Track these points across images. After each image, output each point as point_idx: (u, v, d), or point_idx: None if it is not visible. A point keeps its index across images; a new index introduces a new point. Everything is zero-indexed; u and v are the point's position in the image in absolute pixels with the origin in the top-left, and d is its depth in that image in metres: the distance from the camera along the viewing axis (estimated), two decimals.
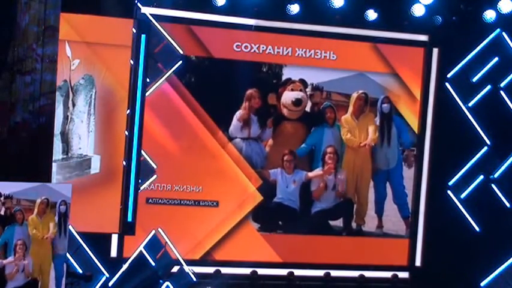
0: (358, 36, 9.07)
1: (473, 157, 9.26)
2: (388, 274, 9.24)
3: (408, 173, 9.28)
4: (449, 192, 9.27)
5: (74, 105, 8.07)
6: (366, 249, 9.16)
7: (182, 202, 8.71)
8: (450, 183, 9.27)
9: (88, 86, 8.12)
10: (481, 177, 9.29)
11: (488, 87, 9.26)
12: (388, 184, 9.22)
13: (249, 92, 8.80)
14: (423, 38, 9.26)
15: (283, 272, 8.94)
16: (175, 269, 8.59)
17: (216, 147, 8.77)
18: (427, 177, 9.29)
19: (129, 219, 8.34)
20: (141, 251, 8.48)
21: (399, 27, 9.12)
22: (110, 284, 8.32)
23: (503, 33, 9.25)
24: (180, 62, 8.54)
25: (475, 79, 9.25)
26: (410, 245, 9.30)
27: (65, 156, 7.98)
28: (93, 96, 8.12)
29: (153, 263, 8.51)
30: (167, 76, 8.54)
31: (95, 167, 8.13)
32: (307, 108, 9.00)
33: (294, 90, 8.93)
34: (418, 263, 9.34)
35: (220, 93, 8.71)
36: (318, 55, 9.01)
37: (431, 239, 9.25)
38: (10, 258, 6.42)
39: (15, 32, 7.01)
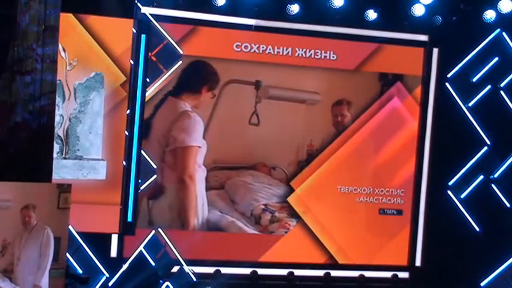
0: (358, 36, 9.07)
1: (473, 157, 9.27)
2: (388, 274, 9.25)
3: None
4: (449, 192, 9.27)
5: (72, 105, 8.08)
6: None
7: None
8: (450, 183, 9.27)
9: (93, 85, 8.12)
10: (481, 177, 9.29)
11: (488, 87, 9.27)
12: None
13: None
14: (423, 38, 9.25)
15: (283, 272, 8.95)
16: (175, 269, 8.60)
17: None
18: (427, 177, 9.29)
19: (129, 219, 8.36)
20: (141, 251, 8.49)
21: (399, 27, 9.11)
22: (110, 284, 8.33)
23: (503, 33, 9.26)
24: (180, 62, 8.56)
25: (475, 79, 9.25)
26: (410, 245, 9.30)
27: (57, 156, 7.97)
28: (99, 96, 8.13)
29: (153, 263, 8.52)
30: (167, 76, 8.56)
31: (101, 172, 8.15)
32: None
33: None
34: (418, 263, 9.34)
35: None
36: (318, 55, 9.01)
37: (431, 239, 9.25)
38: None
39: (15, 32, 6.98)
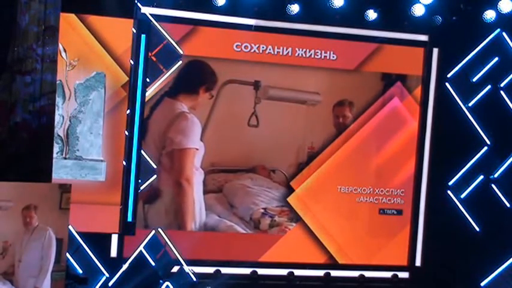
0: (358, 36, 9.06)
1: (473, 157, 9.26)
2: (388, 274, 9.25)
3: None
4: (449, 192, 9.27)
5: (72, 105, 8.08)
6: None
7: None
8: (450, 183, 9.26)
9: (93, 85, 8.11)
10: (481, 177, 9.29)
11: (488, 87, 9.27)
12: None
13: None
14: (423, 38, 9.25)
15: (283, 272, 8.94)
16: (175, 269, 8.59)
17: None
18: (427, 177, 9.29)
19: (129, 219, 8.36)
20: (141, 251, 8.48)
21: (399, 27, 9.11)
22: (110, 284, 8.33)
23: (503, 33, 9.25)
24: (180, 62, 8.55)
25: (475, 79, 9.26)
26: (410, 245, 9.31)
27: (57, 156, 7.97)
28: (99, 96, 8.12)
29: (153, 263, 8.51)
30: (167, 76, 8.55)
31: (101, 172, 8.14)
32: None
33: None
34: (418, 263, 9.34)
35: None
36: (318, 55, 9.00)
37: (431, 239, 9.25)
38: None
39: (15, 32, 6.99)
